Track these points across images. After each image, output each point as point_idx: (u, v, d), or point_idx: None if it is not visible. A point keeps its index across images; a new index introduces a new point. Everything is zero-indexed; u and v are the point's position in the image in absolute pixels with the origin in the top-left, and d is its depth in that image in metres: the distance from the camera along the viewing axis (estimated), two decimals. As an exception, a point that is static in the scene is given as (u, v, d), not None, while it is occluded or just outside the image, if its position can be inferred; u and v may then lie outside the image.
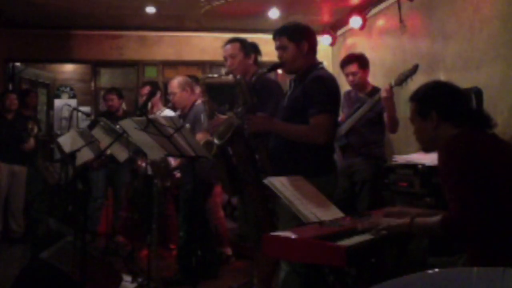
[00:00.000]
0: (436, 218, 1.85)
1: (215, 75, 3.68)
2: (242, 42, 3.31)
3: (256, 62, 3.32)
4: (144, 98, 4.58)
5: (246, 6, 5.65)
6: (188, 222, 4.00)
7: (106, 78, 7.67)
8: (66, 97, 8.25)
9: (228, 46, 3.28)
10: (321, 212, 2.21)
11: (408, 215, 2.03)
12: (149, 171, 4.24)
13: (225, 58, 3.30)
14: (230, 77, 3.29)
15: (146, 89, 5.00)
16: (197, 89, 4.22)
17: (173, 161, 4.15)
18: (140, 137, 3.11)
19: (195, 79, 4.28)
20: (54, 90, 8.25)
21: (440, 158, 1.90)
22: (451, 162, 1.84)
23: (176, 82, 4.17)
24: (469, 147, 1.86)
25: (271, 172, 2.65)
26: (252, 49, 3.30)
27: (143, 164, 4.39)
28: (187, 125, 3.74)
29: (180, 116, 4.19)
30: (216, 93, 4.47)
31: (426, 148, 2.18)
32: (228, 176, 3.09)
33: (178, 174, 4.35)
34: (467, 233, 1.77)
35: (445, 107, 2.00)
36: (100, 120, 3.98)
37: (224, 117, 3.23)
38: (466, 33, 3.92)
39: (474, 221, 1.75)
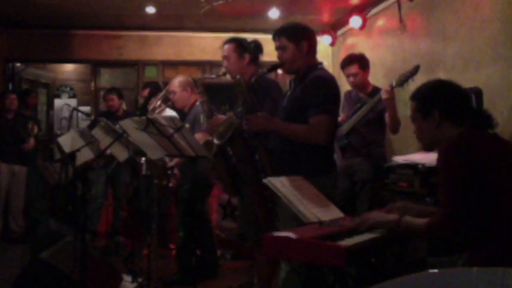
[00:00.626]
0: (423, 221, 1.86)
1: (213, 76, 3.69)
2: (238, 42, 3.29)
3: (256, 61, 3.31)
4: (142, 101, 4.59)
5: (246, 6, 5.65)
6: (186, 222, 4.00)
7: (106, 78, 7.67)
8: (66, 97, 8.26)
9: (224, 47, 3.29)
10: (321, 212, 2.21)
11: (409, 211, 2.05)
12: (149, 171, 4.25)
13: (223, 59, 3.32)
14: (228, 77, 3.31)
15: (146, 91, 5.01)
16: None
17: (169, 160, 4.15)
18: (140, 137, 3.11)
19: (194, 81, 4.29)
20: (54, 90, 8.25)
21: (440, 159, 1.90)
22: (451, 166, 1.84)
23: (177, 82, 4.18)
24: (470, 148, 1.85)
25: (271, 172, 2.65)
26: (248, 48, 3.28)
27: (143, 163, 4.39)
28: (187, 125, 3.75)
29: (179, 115, 4.19)
30: (216, 93, 4.48)
31: (427, 147, 2.18)
32: (229, 176, 3.10)
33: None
34: (452, 240, 1.79)
35: (447, 106, 2.00)
36: (100, 120, 3.98)
37: (223, 117, 3.23)
38: (466, 33, 3.92)
39: (463, 227, 1.77)
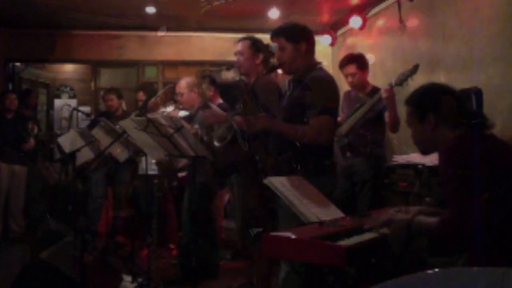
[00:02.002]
0: (434, 219, 1.86)
1: (216, 69, 3.71)
2: (254, 41, 3.34)
3: (266, 62, 3.34)
4: (141, 103, 4.57)
5: (246, 6, 5.65)
6: (194, 222, 3.98)
7: (106, 78, 7.67)
8: (66, 97, 8.26)
9: (239, 43, 3.35)
10: (321, 212, 2.21)
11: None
12: (149, 171, 4.24)
13: (235, 54, 3.35)
14: (227, 77, 3.34)
15: (141, 95, 5.01)
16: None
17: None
18: (140, 137, 3.12)
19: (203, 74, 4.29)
20: (54, 90, 8.25)
21: (440, 162, 1.90)
22: (451, 167, 1.84)
23: (184, 83, 4.16)
24: (469, 150, 1.85)
25: (271, 172, 2.65)
26: (262, 49, 3.32)
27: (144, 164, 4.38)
28: (196, 126, 3.75)
29: (189, 117, 4.19)
30: (227, 92, 4.47)
31: (425, 151, 2.18)
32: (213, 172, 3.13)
33: (181, 174, 4.34)
34: (464, 238, 1.78)
35: (442, 109, 2.00)
36: (100, 120, 3.99)
37: (219, 110, 3.26)
38: (466, 33, 3.92)
39: (471, 226, 1.76)
